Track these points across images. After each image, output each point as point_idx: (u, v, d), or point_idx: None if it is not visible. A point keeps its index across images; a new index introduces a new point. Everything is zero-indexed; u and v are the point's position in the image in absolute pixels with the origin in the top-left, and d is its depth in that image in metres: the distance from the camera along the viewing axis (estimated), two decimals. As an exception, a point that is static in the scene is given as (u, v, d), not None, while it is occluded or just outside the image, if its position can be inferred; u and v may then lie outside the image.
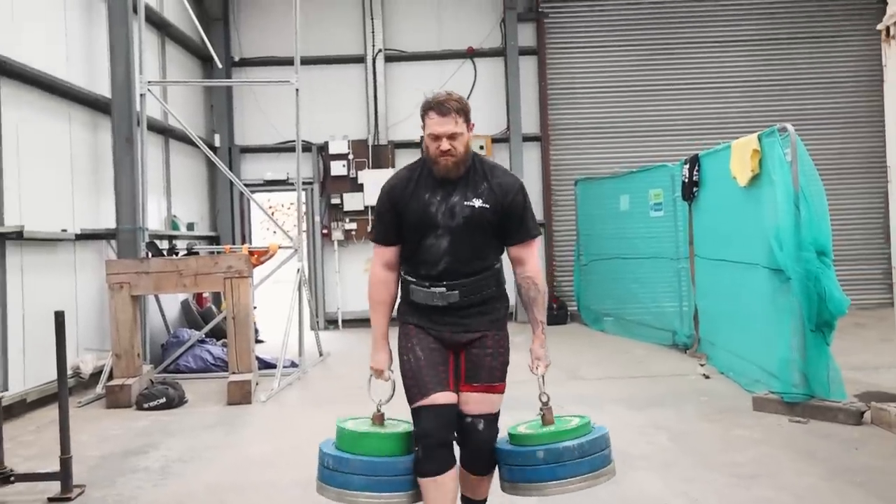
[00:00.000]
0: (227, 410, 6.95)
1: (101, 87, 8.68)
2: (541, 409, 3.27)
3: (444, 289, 3.27)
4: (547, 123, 12.87)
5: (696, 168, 8.28)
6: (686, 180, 8.46)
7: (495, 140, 12.65)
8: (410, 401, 3.26)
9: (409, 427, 3.33)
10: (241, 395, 7.13)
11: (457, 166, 3.25)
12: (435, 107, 3.24)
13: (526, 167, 12.59)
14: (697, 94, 12.77)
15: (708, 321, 8.33)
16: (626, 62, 12.86)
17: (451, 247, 3.24)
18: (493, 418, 3.30)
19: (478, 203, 3.25)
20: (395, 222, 3.34)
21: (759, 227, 6.47)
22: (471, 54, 12.83)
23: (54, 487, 4.64)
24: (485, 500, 3.49)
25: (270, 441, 5.85)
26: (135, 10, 8.75)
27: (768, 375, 6.33)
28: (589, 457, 3.15)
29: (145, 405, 6.99)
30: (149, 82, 8.83)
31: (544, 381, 3.29)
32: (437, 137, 3.21)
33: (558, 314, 12.03)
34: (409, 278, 3.38)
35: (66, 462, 4.63)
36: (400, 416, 3.43)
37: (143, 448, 5.72)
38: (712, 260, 8.04)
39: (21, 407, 6.80)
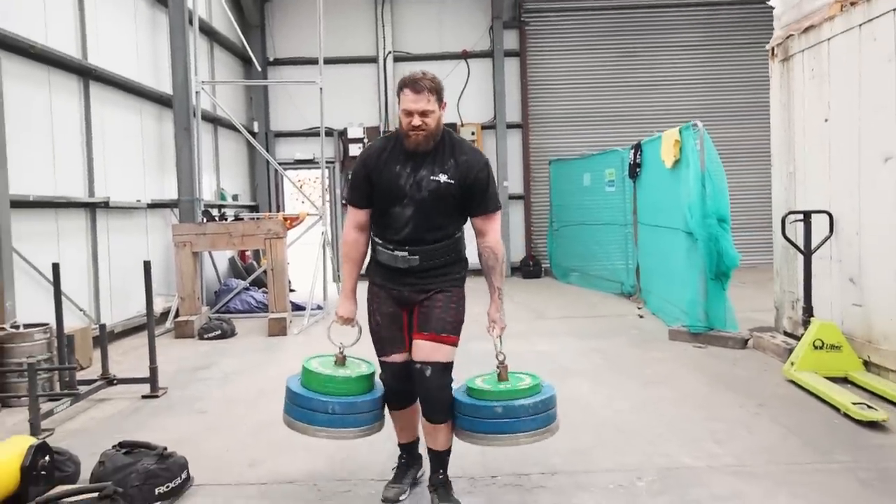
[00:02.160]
0: (267, 340, 7.70)
1: (165, 85, 9.25)
2: (497, 367, 3.17)
3: (406, 253, 3.15)
4: (527, 113, 13.30)
5: (639, 153, 8.89)
6: (631, 162, 9.05)
7: (484, 127, 13.14)
8: (376, 354, 3.29)
9: (370, 367, 3.32)
10: (278, 329, 7.92)
11: (426, 140, 3.09)
12: (409, 84, 3.07)
13: (509, 150, 13.17)
14: (647, 90, 13.14)
15: (646, 274, 8.99)
16: (592, 64, 13.26)
17: (415, 216, 3.11)
18: (441, 367, 3.10)
19: (443, 178, 3.10)
20: (367, 189, 3.21)
21: (679, 200, 7.09)
22: (465, 56, 13.21)
23: (144, 389, 5.42)
24: (447, 450, 3.27)
25: (298, 362, 6.64)
26: (190, 22, 9.32)
27: (682, 313, 7.05)
28: (540, 415, 3.08)
29: (205, 336, 7.82)
30: (202, 82, 9.51)
31: (501, 342, 3.17)
32: (409, 113, 3.05)
33: (534, 269, 12.76)
34: (377, 240, 3.27)
35: (153, 370, 5.44)
36: (362, 354, 3.43)
37: (207, 365, 6.53)
38: (650, 226, 8.63)
39: (109, 336, 7.66)
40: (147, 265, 5.65)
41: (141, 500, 3.24)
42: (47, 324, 5.57)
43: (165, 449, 3.49)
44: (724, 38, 13.10)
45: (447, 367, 3.14)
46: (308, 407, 3.16)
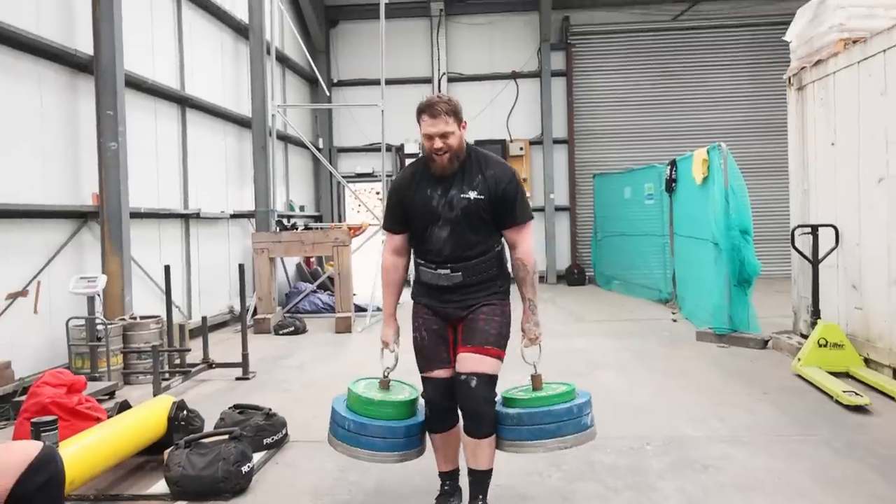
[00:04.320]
0: (335, 336, 8.67)
1: (244, 108, 10.37)
2: (531, 376, 3.20)
3: (448, 271, 3.17)
4: (573, 130, 14.08)
5: (674, 169, 9.57)
6: (668, 177, 9.73)
7: (532, 143, 13.99)
8: (419, 370, 3.27)
9: (412, 393, 3.31)
10: (344, 327, 8.89)
11: (451, 162, 3.13)
12: (426, 110, 3.11)
13: (556, 164, 14.01)
14: (684, 108, 13.83)
15: (681, 281, 9.63)
16: (633, 83, 14.00)
17: (452, 235, 3.15)
18: (486, 379, 3.07)
19: (473, 195, 3.13)
20: (402, 214, 3.26)
21: (707, 214, 7.74)
22: (514, 76, 14.07)
23: (237, 373, 6.40)
24: (489, 471, 3.20)
25: (364, 353, 7.51)
26: (268, 52, 10.46)
27: (710, 317, 7.71)
28: (574, 419, 3.06)
29: (280, 332, 8.86)
30: (278, 106, 10.63)
31: (540, 351, 3.21)
32: (430, 137, 3.10)
33: (578, 277, 13.53)
34: (419, 260, 3.29)
35: (245, 356, 6.44)
36: (408, 378, 3.46)
37: (285, 355, 7.53)
38: (684, 237, 9.27)
39: (198, 330, 8.75)
40: (241, 268, 6.71)
41: (253, 448, 4.20)
42: (158, 316, 6.67)
43: (270, 410, 4.46)
44: (753, 59, 13.66)
45: (492, 379, 3.10)
46: (343, 426, 3.19)
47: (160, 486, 3.72)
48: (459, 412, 3.19)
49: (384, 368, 3.30)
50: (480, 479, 3.20)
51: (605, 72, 14.12)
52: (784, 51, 7.25)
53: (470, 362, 3.09)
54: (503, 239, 3.29)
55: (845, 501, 3.42)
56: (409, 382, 3.40)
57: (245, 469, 3.73)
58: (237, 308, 9.80)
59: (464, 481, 3.33)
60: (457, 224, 3.14)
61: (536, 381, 3.19)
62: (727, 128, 13.27)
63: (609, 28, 14.03)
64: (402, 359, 3.35)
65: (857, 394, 4.97)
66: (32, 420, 3.25)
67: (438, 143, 3.09)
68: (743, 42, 13.82)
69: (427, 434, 3.28)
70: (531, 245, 3.26)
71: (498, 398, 3.20)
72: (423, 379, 3.23)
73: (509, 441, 3.12)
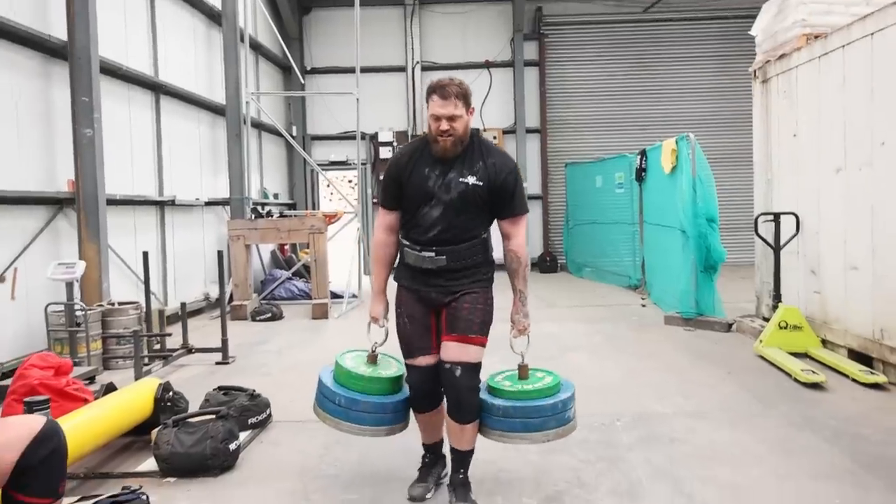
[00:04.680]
0: (311, 322, 8.77)
1: (217, 96, 10.33)
2: (518, 365, 3.28)
3: (433, 254, 3.17)
4: (545, 119, 14.29)
5: (644, 158, 9.81)
6: (638, 167, 9.96)
7: (505, 132, 14.15)
8: (403, 357, 3.31)
9: (399, 368, 3.36)
10: (321, 313, 8.98)
11: (454, 146, 3.12)
12: (437, 90, 3.11)
13: (528, 153, 14.19)
14: (655, 99, 14.09)
15: (650, 268, 9.90)
16: (605, 73, 14.24)
17: (442, 217, 3.14)
18: (470, 367, 3.13)
19: (472, 180, 3.13)
20: (397, 191, 3.24)
21: (676, 202, 7.99)
22: (487, 65, 14.20)
23: (216, 357, 6.49)
24: (471, 451, 3.30)
25: (341, 339, 7.46)
26: (241, 39, 10.39)
27: (677, 302, 7.98)
28: (558, 414, 3.15)
29: (257, 318, 8.92)
30: (251, 93, 10.63)
31: (528, 342, 3.29)
32: (437, 118, 3.08)
33: (550, 265, 13.78)
34: (404, 241, 3.28)
35: (224, 341, 6.52)
36: (396, 353, 3.42)
37: (263, 341, 7.61)
38: (653, 225, 9.50)
39: (174, 316, 8.75)
40: (220, 255, 6.78)
41: (238, 428, 4.32)
42: (137, 302, 6.72)
43: (254, 391, 4.59)
44: (722, 51, 13.93)
45: (476, 367, 3.16)
46: (332, 400, 3.24)
47: (149, 464, 3.83)
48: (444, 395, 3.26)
49: (372, 343, 3.34)
50: (463, 458, 3.31)
51: (577, 62, 14.33)
52: (751, 44, 7.50)
53: (454, 351, 3.13)
54: (490, 227, 3.31)
55: (799, 467, 3.67)
56: (395, 357, 3.44)
57: (232, 447, 3.86)
58: (212, 295, 9.85)
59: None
60: (450, 207, 3.14)
61: (523, 371, 3.26)
62: (696, 118, 13.60)
63: (581, 19, 14.22)
64: (389, 335, 3.40)
65: (813, 372, 5.26)
66: (25, 399, 3.35)
67: (445, 126, 3.07)
68: (712, 34, 14.13)
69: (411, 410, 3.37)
70: (525, 237, 3.29)
71: (483, 384, 3.27)
72: (407, 366, 3.28)
73: (497, 431, 3.19)
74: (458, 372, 3.11)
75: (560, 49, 14.37)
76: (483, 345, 3.21)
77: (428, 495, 3.38)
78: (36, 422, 2.44)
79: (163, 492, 3.57)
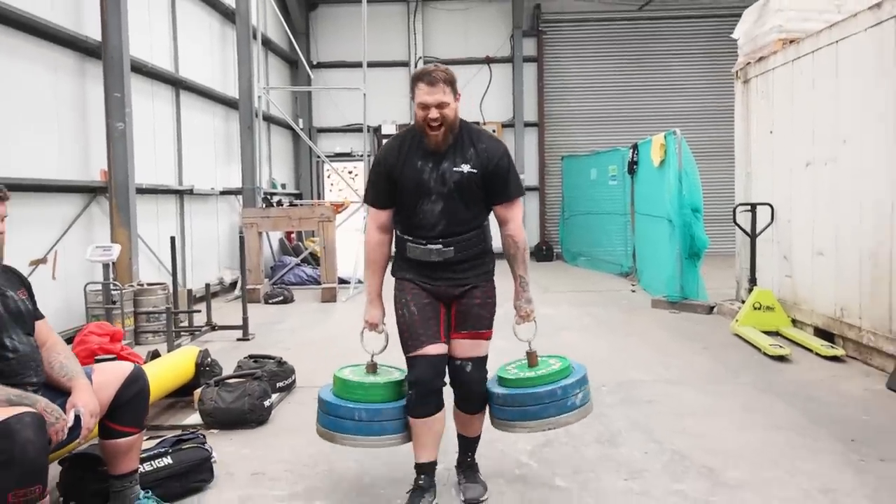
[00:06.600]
0: (321, 306, 9.35)
1: (230, 90, 10.91)
2: (526, 353, 3.22)
3: (440, 246, 3.07)
4: (543, 113, 14.87)
5: (636, 152, 10.34)
6: (630, 160, 10.51)
7: (504, 125, 14.72)
8: (406, 350, 3.10)
9: (400, 375, 3.21)
10: (329, 296, 9.58)
11: (446, 136, 3.02)
12: (423, 77, 2.99)
13: (527, 146, 14.77)
14: (649, 94, 14.64)
15: (641, 256, 10.47)
16: (601, 69, 14.81)
17: (445, 210, 3.05)
18: (480, 361, 3.13)
19: (466, 168, 3.04)
20: (388, 187, 3.12)
21: (663, 193, 8.54)
22: (487, 61, 14.75)
23: (237, 334, 7.05)
24: (478, 436, 3.31)
25: (349, 321, 7.94)
26: (254, 37, 10.97)
27: (664, 286, 8.59)
28: (570, 397, 3.06)
29: (270, 301, 9.49)
30: (263, 88, 11.17)
31: (536, 328, 3.21)
32: (425, 106, 2.96)
33: (546, 254, 14.36)
34: (406, 237, 3.15)
35: (245, 319, 7.09)
36: (394, 363, 3.36)
37: (277, 321, 8.19)
38: (644, 215, 10.05)
39: (192, 298, 9.29)
40: (241, 240, 7.42)
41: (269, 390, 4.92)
42: (164, 283, 7.31)
43: (281, 358, 5.18)
44: (710, 49, 14.43)
45: (484, 360, 3.17)
46: (335, 414, 3.13)
47: (194, 418, 4.43)
48: (447, 396, 3.14)
49: (371, 352, 3.21)
50: (470, 443, 3.33)
51: (574, 58, 14.89)
52: (736, 44, 8.02)
53: (466, 347, 3.10)
54: (489, 215, 3.24)
55: (756, 422, 4.28)
56: (394, 366, 3.33)
57: (267, 403, 4.46)
58: (226, 279, 10.43)
59: (451, 460, 3.46)
60: (450, 198, 3.05)
61: (532, 358, 3.20)
62: (685, 114, 14.14)
63: (578, 16, 14.77)
64: (390, 341, 3.29)
65: (780, 347, 5.86)
66: (97, 357, 3.93)
67: (434, 114, 2.95)
68: (701, 33, 14.68)
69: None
70: (521, 221, 3.23)
71: (493, 377, 3.25)
72: (411, 358, 3.07)
73: (498, 420, 3.19)
74: (469, 367, 3.10)
75: (558, 46, 14.92)
76: (490, 337, 3.20)
77: None
78: (126, 367, 3.04)
79: (210, 440, 4.15)
